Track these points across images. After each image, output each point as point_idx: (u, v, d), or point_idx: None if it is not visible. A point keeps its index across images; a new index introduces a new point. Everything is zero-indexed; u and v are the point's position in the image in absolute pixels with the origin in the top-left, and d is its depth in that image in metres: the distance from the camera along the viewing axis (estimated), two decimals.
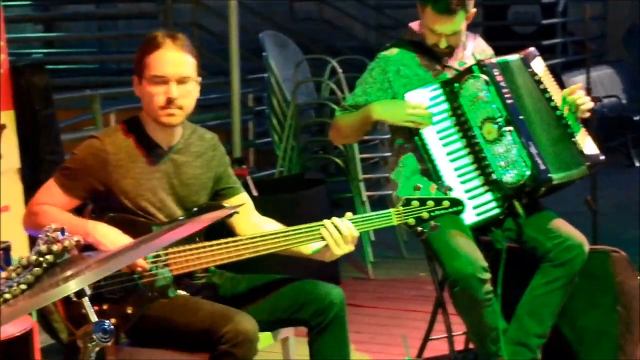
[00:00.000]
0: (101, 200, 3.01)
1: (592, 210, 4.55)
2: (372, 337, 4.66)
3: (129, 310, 2.90)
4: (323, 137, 6.31)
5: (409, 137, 3.62)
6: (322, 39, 10.13)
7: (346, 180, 5.93)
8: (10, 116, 3.89)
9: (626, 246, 3.78)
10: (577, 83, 3.81)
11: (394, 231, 5.98)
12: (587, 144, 3.64)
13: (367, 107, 3.60)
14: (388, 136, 6.07)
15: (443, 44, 3.59)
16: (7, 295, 2.00)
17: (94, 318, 2.02)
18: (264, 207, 3.26)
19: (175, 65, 2.97)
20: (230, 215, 3.05)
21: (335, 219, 2.98)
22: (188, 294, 3.01)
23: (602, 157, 3.66)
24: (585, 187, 4.38)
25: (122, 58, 10.61)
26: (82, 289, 1.95)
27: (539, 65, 3.66)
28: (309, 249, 3.06)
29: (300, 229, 2.99)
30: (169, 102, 2.96)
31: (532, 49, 3.73)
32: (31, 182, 3.79)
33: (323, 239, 2.97)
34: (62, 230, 2.05)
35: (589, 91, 4.44)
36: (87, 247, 2.79)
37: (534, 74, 3.63)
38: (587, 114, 3.64)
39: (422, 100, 3.55)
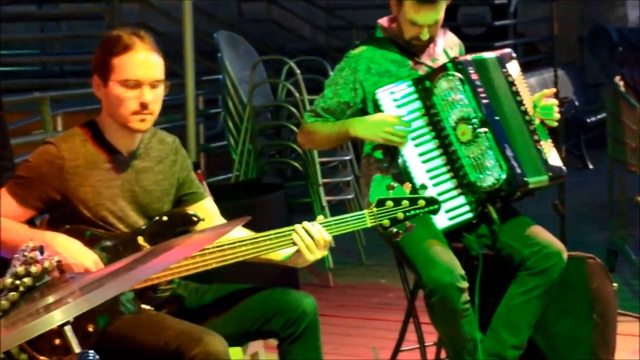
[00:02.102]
0: (58, 210, 2.83)
1: (560, 214, 4.45)
2: (336, 347, 4.52)
3: (90, 329, 2.71)
4: (279, 140, 6.16)
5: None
6: (271, 40, 9.98)
7: (303, 185, 5.80)
8: None
9: (589, 251, 3.70)
10: (529, 85, 3.71)
11: (352, 237, 5.85)
12: (552, 155, 3.54)
13: (345, 123, 3.48)
14: None
15: (425, 36, 3.46)
16: None
17: (77, 348, 1.79)
18: (220, 213, 3.09)
19: (147, 67, 2.81)
20: (197, 222, 2.89)
21: (305, 223, 2.84)
22: (152, 309, 2.83)
23: (565, 171, 3.56)
24: (550, 191, 4.29)
25: (64, 60, 10.35)
26: None
27: (514, 67, 3.56)
28: (279, 255, 2.92)
29: (270, 234, 2.85)
30: (143, 107, 2.80)
31: (509, 50, 3.62)
32: None
33: (294, 244, 2.83)
34: (41, 249, 1.82)
35: (556, 93, 4.36)
36: None
37: (507, 75, 3.52)
38: (555, 123, 3.55)
39: (399, 111, 3.41)
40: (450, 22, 10.82)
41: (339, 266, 5.74)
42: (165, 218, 2.90)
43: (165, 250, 2.03)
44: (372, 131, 3.42)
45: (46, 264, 1.84)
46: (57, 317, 1.67)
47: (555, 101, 3.55)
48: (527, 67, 9.33)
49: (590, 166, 8.82)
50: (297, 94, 5.75)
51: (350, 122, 3.47)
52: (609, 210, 5.47)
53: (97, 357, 1.82)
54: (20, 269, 1.82)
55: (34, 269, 1.83)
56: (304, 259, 2.85)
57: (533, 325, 3.44)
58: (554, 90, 3.66)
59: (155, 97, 2.82)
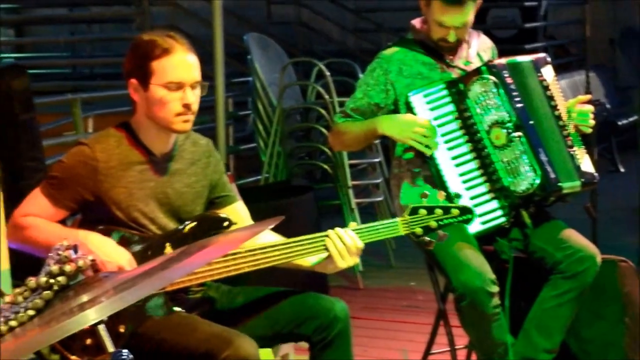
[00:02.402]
0: (91, 211, 2.84)
1: (592, 217, 4.42)
2: (365, 349, 4.51)
3: (121, 329, 2.71)
4: (309, 142, 6.16)
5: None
6: (300, 42, 9.98)
7: (332, 187, 5.79)
8: None
9: (620, 254, 3.66)
10: (560, 87, 3.68)
11: (382, 239, 5.83)
12: (585, 162, 3.51)
13: (374, 121, 3.46)
14: (377, 141, 6.02)
15: (452, 37, 3.44)
16: (13, 322, 1.76)
17: (111, 348, 1.79)
18: (250, 215, 3.10)
19: (187, 69, 2.83)
20: (229, 226, 2.89)
21: (338, 230, 2.83)
22: (183, 311, 2.83)
23: (597, 177, 3.52)
24: (581, 194, 4.25)
25: (95, 62, 10.41)
26: None
27: (548, 72, 3.54)
28: (308, 262, 2.90)
29: (302, 240, 2.84)
30: (187, 108, 2.82)
31: (543, 54, 3.60)
32: (11, 190, 3.59)
33: (326, 250, 2.82)
34: (75, 248, 1.82)
35: (589, 96, 4.31)
36: None
37: (542, 79, 3.50)
38: (590, 130, 3.52)
39: (432, 114, 3.40)
40: (480, 25, 10.74)
41: (368, 268, 5.73)
42: (196, 221, 2.90)
43: (199, 250, 2.03)
44: (399, 130, 3.40)
45: (80, 262, 1.84)
46: (91, 316, 1.67)
47: (591, 107, 3.52)
48: (557, 70, 9.24)
49: (622, 169, 8.76)
50: (326, 96, 5.74)
51: (379, 120, 3.45)
52: None
53: (131, 356, 1.82)
54: (55, 268, 1.82)
55: (68, 267, 1.83)
56: (334, 265, 2.84)
57: (566, 329, 3.41)
58: (589, 96, 3.63)
59: (197, 98, 2.85)
